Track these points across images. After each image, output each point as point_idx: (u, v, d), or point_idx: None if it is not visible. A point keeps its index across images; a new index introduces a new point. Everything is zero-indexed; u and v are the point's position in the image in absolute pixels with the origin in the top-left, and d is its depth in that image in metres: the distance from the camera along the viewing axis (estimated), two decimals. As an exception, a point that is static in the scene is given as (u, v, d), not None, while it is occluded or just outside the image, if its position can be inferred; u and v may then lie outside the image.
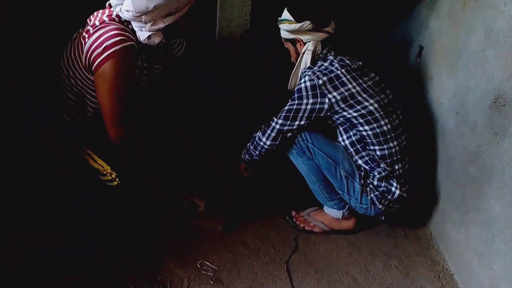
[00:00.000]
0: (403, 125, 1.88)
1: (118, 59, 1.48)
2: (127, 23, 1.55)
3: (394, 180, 1.81)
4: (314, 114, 1.77)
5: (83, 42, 1.54)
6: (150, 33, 1.51)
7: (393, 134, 1.79)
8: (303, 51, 1.85)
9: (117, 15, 1.55)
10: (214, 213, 1.96)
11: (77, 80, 1.62)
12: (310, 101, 1.74)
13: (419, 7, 2.26)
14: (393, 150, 1.80)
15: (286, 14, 1.84)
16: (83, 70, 1.58)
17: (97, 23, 1.54)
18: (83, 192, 1.72)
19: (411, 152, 1.91)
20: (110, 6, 1.58)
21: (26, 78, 1.64)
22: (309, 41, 1.83)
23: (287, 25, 1.83)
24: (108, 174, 1.70)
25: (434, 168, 2.00)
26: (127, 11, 1.44)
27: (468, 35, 1.77)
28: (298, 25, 1.80)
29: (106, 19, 1.54)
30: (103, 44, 1.48)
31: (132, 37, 1.53)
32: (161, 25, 1.48)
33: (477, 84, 1.68)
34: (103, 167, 1.70)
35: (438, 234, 1.97)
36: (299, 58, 1.87)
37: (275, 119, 1.82)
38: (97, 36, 1.50)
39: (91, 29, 1.54)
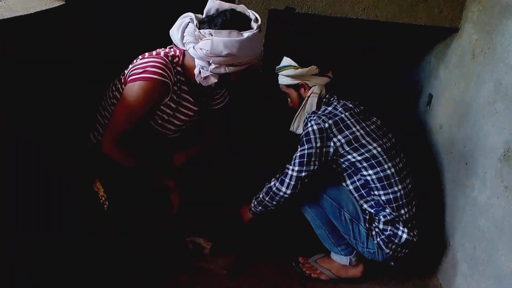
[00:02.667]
0: (408, 169, 1.88)
1: (148, 84, 1.63)
2: (176, 65, 1.72)
3: (401, 224, 1.79)
4: (323, 158, 1.78)
5: (134, 61, 1.73)
6: (210, 74, 1.65)
7: (397, 178, 1.79)
8: (308, 94, 1.89)
9: (173, 56, 1.72)
10: (219, 256, 1.94)
11: (117, 97, 1.73)
12: (318, 144, 1.75)
13: (428, 57, 2.30)
14: (398, 194, 1.79)
15: (288, 61, 1.88)
16: (123, 86, 1.72)
17: (153, 52, 1.73)
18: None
19: (419, 197, 1.90)
20: (171, 48, 1.76)
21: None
22: (315, 85, 1.87)
23: (292, 70, 1.87)
24: (101, 197, 1.76)
25: (443, 217, 1.98)
26: (201, 49, 1.58)
27: (478, 87, 1.79)
28: (305, 69, 1.84)
29: (161, 52, 1.73)
30: (145, 68, 1.65)
31: (172, 78, 1.68)
32: (222, 70, 1.64)
33: (487, 136, 1.68)
34: (99, 189, 1.77)
35: (448, 286, 1.92)
36: (303, 101, 1.90)
37: (291, 167, 1.80)
38: (145, 60, 1.69)
39: (146, 54, 1.74)
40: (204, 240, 1.93)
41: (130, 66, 1.72)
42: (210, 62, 1.61)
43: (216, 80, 1.68)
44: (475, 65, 1.83)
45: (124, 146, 1.71)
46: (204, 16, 1.65)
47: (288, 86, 1.94)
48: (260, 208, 1.92)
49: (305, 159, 1.77)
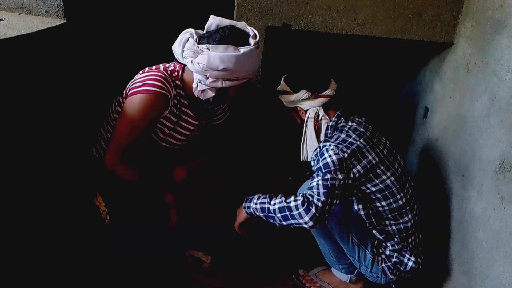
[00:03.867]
0: (416, 194, 1.85)
1: (148, 97, 1.67)
2: (175, 79, 1.76)
3: (408, 252, 1.78)
4: (344, 191, 1.65)
5: (135, 76, 1.78)
6: (207, 87, 1.69)
7: (408, 208, 1.75)
8: (305, 119, 1.83)
9: (172, 70, 1.77)
10: (219, 270, 1.94)
11: (119, 111, 1.76)
12: (340, 176, 1.60)
13: (424, 71, 2.33)
14: (408, 224, 1.76)
15: (283, 85, 1.86)
16: (124, 100, 1.75)
17: (153, 67, 1.79)
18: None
19: (424, 222, 1.88)
20: (172, 63, 1.81)
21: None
22: (309, 108, 1.82)
23: (285, 96, 1.85)
24: (102, 212, 1.79)
25: (440, 230, 1.99)
26: (198, 63, 1.61)
27: (472, 100, 1.82)
28: (295, 95, 1.80)
29: (161, 66, 1.79)
30: (144, 81, 1.70)
31: (171, 91, 1.73)
32: (219, 85, 1.66)
33: (482, 149, 1.70)
34: (100, 203, 1.80)
35: (447, 298, 1.93)
36: (304, 126, 1.85)
37: (315, 196, 1.59)
38: (144, 75, 1.73)
39: (146, 69, 1.79)
40: (203, 254, 1.94)
41: (131, 81, 1.76)
42: (207, 76, 1.64)
43: (213, 94, 1.71)
44: (469, 79, 1.86)
45: (127, 160, 1.73)
46: (204, 31, 1.69)
47: (289, 109, 1.90)
48: (261, 215, 1.70)
49: (330, 191, 1.59)
